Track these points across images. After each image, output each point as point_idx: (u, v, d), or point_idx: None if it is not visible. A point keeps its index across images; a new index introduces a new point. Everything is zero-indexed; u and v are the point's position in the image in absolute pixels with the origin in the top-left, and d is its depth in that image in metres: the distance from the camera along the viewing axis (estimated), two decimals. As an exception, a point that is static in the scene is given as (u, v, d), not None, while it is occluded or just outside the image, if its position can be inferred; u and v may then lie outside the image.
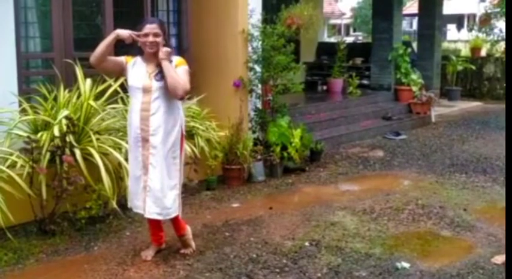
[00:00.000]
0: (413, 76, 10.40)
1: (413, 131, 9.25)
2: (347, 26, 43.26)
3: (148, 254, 4.09)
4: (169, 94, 3.76)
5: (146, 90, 3.79)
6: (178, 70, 3.79)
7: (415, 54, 11.85)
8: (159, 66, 3.77)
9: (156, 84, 3.78)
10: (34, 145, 4.37)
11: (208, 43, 6.55)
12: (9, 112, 4.76)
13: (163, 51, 3.74)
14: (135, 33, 3.79)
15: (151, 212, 3.90)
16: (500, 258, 3.94)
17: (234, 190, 5.83)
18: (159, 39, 3.78)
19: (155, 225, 4.13)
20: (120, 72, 4.00)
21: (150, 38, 3.75)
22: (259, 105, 6.74)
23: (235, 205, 5.31)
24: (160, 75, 3.76)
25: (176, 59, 3.88)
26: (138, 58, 3.89)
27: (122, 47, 4.14)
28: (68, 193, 4.38)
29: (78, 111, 4.79)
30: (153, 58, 3.82)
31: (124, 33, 3.79)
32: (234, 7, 6.42)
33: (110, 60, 3.87)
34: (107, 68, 3.99)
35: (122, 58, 3.94)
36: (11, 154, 4.44)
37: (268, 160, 6.31)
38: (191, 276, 3.79)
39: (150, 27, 3.77)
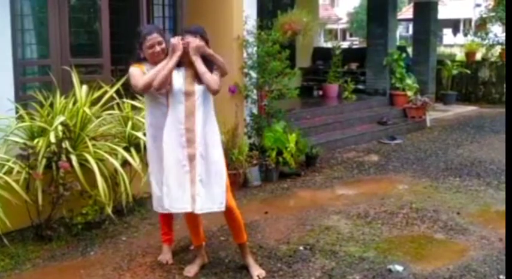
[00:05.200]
0: (409, 81, 10.47)
1: (408, 135, 9.30)
2: (343, 31, 43.38)
3: (168, 257, 4.11)
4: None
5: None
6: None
7: (410, 58, 11.92)
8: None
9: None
10: (30, 151, 4.41)
11: (203, 49, 6.59)
12: (5, 119, 4.79)
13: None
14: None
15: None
16: None
17: (229, 194, 5.86)
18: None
19: (170, 224, 4.19)
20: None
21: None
22: (254, 110, 6.79)
23: (230, 210, 5.33)
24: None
25: None
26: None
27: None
28: (64, 199, 4.42)
29: (74, 117, 4.83)
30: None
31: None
32: (229, 13, 6.48)
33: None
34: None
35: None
36: (8, 160, 4.48)
37: (264, 165, 6.35)
38: (186, 281, 3.83)
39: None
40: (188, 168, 3.69)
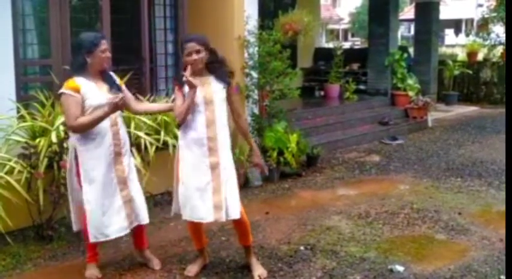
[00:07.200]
0: (410, 81, 10.46)
1: (409, 136, 9.30)
2: (345, 31, 43.38)
3: (97, 272, 3.93)
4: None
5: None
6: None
7: (411, 59, 11.92)
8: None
9: None
10: (32, 151, 4.42)
11: (205, 49, 6.60)
12: (7, 119, 4.80)
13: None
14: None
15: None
16: None
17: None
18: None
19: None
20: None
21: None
22: (256, 111, 6.79)
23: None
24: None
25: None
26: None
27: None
28: (65, 199, 4.41)
29: (76, 117, 4.82)
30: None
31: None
32: (230, 13, 6.48)
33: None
34: None
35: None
36: (9, 160, 4.48)
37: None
38: (187, 281, 3.84)
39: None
40: (211, 177, 3.64)
